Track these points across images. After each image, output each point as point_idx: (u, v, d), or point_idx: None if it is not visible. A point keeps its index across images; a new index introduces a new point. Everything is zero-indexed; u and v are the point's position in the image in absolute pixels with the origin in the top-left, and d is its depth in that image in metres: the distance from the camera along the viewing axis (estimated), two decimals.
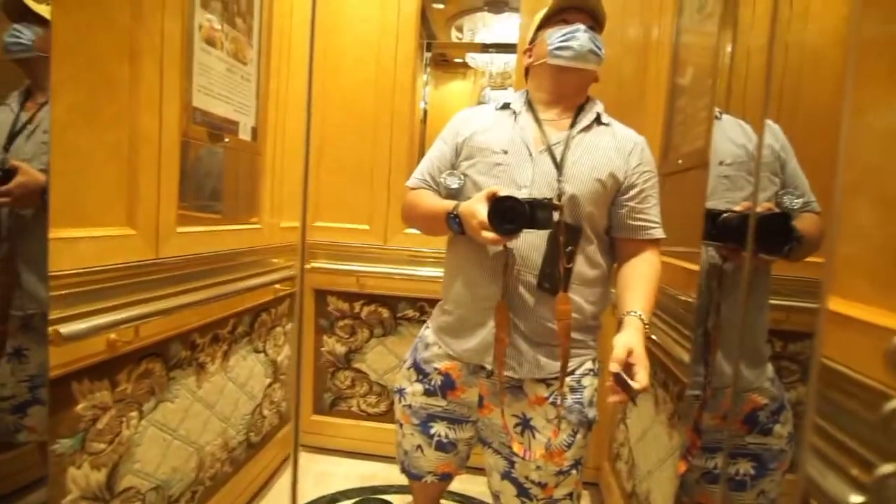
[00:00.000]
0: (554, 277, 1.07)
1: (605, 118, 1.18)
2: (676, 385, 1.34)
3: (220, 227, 1.59)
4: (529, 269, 1.09)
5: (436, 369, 1.20)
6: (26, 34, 0.80)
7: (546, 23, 1.19)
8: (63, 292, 1.00)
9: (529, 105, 1.20)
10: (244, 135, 1.67)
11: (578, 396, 1.14)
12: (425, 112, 3.47)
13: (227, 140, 1.57)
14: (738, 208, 0.72)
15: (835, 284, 0.47)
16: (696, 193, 1.29)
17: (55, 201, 0.98)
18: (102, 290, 1.10)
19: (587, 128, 1.15)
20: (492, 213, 0.98)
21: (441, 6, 3.44)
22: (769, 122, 0.87)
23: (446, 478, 1.31)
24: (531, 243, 1.09)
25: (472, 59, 3.74)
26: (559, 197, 1.07)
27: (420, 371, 1.23)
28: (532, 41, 1.23)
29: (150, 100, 1.22)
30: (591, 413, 1.15)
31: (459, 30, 3.70)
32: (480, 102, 3.74)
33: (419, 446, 1.24)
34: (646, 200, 1.13)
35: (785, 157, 0.82)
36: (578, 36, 1.11)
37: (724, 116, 0.96)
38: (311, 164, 2.09)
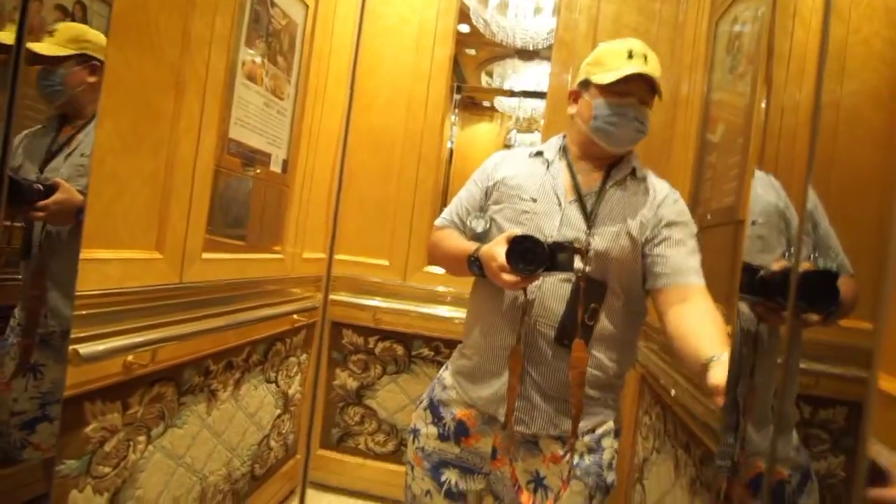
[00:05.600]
0: (572, 333, 1.03)
1: (640, 172, 1.13)
2: (699, 448, 1.28)
3: (244, 255, 1.61)
4: (548, 320, 1.06)
5: (451, 414, 1.17)
6: (55, 80, 0.83)
7: (599, 81, 1.07)
8: (85, 312, 1.01)
9: (564, 152, 1.17)
10: (275, 167, 1.71)
11: (597, 458, 1.09)
12: (451, 152, 3.54)
13: (258, 171, 1.61)
14: (775, 266, 0.69)
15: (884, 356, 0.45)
16: (725, 250, 1.27)
17: (88, 222, 1.00)
18: (124, 312, 1.11)
19: (621, 181, 1.11)
20: (510, 253, 0.96)
21: (473, 52, 3.55)
22: (771, 178, 0.86)
23: None
24: (552, 293, 1.06)
25: (500, 102, 3.83)
26: (586, 250, 1.04)
27: (435, 413, 1.20)
28: (581, 85, 1.13)
29: (190, 130, 1.26)
30: (611, 477, 1.10)
31: (489, 75, 3.81)
32: (507, 146, 3.81)
33: (428, 491, 1.20)
34: (674, 246, 1.05)
35: (790, 215, 0.80)
36: (625, 124, 1.05)
37: (757, 174, 0.94)
38: (335, 200, 2.13)
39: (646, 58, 1.05)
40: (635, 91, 1.05)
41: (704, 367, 0.85)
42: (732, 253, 1.26)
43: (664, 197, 1.10)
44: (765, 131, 1.09)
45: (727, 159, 1.33)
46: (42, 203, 0.80)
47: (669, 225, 1.07)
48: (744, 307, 0.73)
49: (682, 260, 1.04)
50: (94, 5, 0.89)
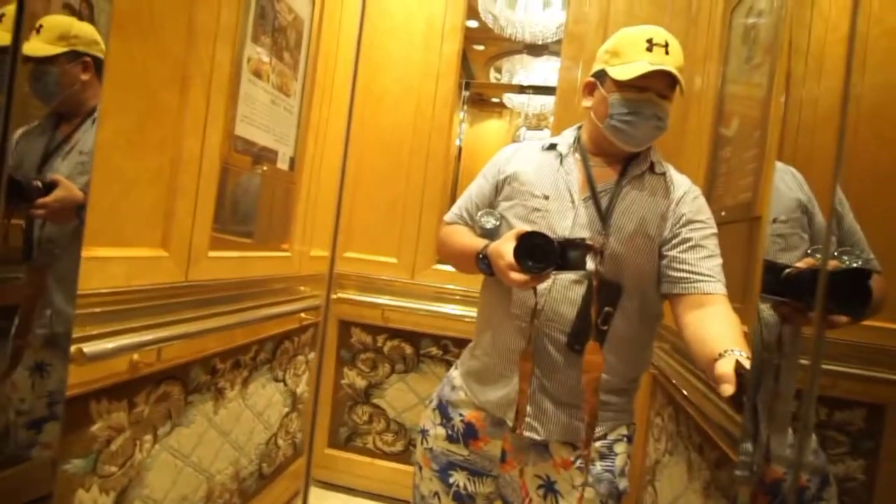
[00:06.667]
0: (584, 338, 0.99)
1: (659, 166, 1.08)
2: (714, 451, 1.25)
3: (251, 252, 1.60)
4: (558, 324, 1.03)
5: (459, 415, 1.15)
6: (48, 80, 0.81)
7: (615, 76, 1.01)
8: (91, 311, 1.01)
9: (579, 146, 1.12)
10: (282, 164, 1.70)
11: (609, 464, 1.06)
12: (460, 149, 3.52)
13: (264, 168, 1.60)
14: (800, 265, 0.66)
15: None
16: (740, 248, 1.23)
17: (93, 221, 0.99)
18: (130, 311, 1.11)
19: (638, 177, 1.06)
20: (518, 250, 0.91)
21: (481, 48, 3.51)
22: (793, 170, 0.82)
23: None
24: (563, 296, 1.02)
25: (509, 99, 3.79)
26: (601, 249, 1.00)
27: (444, 414, 1.18)
28: (597, 75, 1.07)
29: (195, 127, 1.25)
30: (623, 484, 1.07)
31: (498, 71, 3.77)
32: (515, 142, 3.78)
33: (436, 493, 1.18)
34: (693, 251, 1.01)
35: (813, 210, 0.76)
36: (642, 122, 1.00)
37: (778, 166, 0.90)
38: (344, 197, 2.11)
39: (667, 48, 0.99)
40: (654, 85, 0.99)
41: (715, 360, 0.81)
42: (747, 251, 1.23)
43: (683, 193, 1.06)
44: (784, 124, 1.05)
45: (742, 154, 1.29)
46: (42, 201, 0.78)
47: (688, 224, 1.03)
48: (765, 308, 0.70)
49: (701, 265, 1.00)
50: (101, 3, 0.88)
